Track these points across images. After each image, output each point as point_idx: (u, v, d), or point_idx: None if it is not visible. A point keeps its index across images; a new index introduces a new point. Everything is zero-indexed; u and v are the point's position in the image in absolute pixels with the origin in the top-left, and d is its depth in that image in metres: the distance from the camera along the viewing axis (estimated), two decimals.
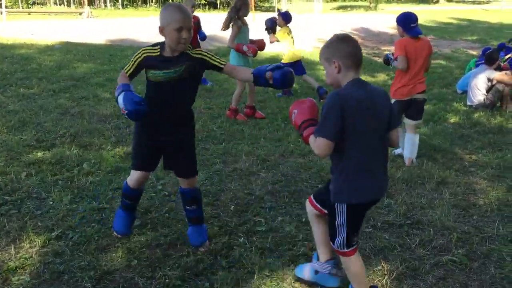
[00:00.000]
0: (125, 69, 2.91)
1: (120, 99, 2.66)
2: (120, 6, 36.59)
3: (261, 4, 38.20)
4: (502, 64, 8.86)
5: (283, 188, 4.25)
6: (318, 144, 2.33)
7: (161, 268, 2.94)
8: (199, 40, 8.90)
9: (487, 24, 24.81)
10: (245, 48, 6.10)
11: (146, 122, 2.91)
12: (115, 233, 3.29)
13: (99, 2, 37.96)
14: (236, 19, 6.36)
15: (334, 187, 2.46)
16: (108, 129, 5.89)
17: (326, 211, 2.60)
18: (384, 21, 21.79)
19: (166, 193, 4.06)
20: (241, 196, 4.06)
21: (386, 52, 7.75)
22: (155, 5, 37.23)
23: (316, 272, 2.75)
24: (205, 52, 2.98)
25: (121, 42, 15.06)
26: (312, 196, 2.75)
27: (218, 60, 2.98)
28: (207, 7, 36.11)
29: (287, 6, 32.77)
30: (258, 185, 4.32)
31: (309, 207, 2.75)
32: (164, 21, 2.78)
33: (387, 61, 5.21)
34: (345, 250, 2.49)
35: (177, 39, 2.76)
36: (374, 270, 2.95)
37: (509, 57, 9.93)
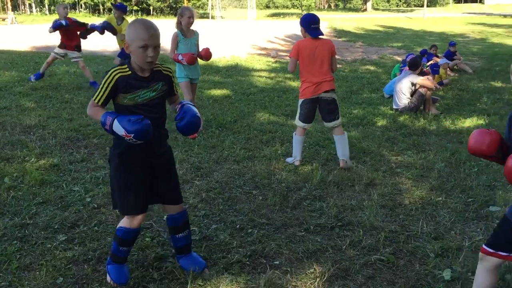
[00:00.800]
0: (95, 99, 2.58)
1: (117, 126, 2.43)
2: (47, 12, 35.13)
3: (195, 10, 38.07)
4: (424, 69, 9.37)
5: (217, 196, 4.23)
6: None
7: (89, 284, 2.82)
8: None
9: (411, 32, 26.15)
10: (180, 57, 5.95)
11: (131, 153, 2.65)
12: (112, 283, 2.82)
13: (24, 8, 36.23)
14: (178, 30, 6.12)
15: None
16: (32, 140, 5.61)
17: None
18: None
19: (95, 206, 3.92)
20: None
21: None
22: (85, 11, 36.08)
23: None
24: (171, 69, 2.84)
25: (46, 49, 14.42)
26: (489, 247, 2.37)
27: (176, 84, 2.89)
28: (139, 13, 35.49)
29: (221, 13, 32.86)
30: (192, 193, 4.27)
31: (490, 259, 2.38)
32: (129, 38, 2.57)
33: None
34: None
35: (143, 58, 2.54)
36: (306, 273, 2.99)
37: (431, 63, 10.52)
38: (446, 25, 29.39)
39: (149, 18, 30.40)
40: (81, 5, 36.95)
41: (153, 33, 2.55)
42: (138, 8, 35.74)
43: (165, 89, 2.70)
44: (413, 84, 7.92)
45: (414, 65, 8.13)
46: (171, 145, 2.98)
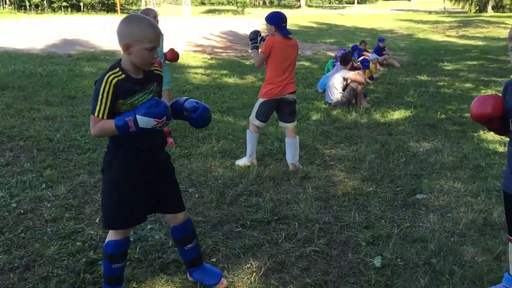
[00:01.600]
0: (97, 114, 2.28)
1: (144, 120, 2.24)
2: None
3: (128, 7, 37.11)
4: (355, 65, 9.67)
5: None
6: None
7: None
8: None
9: (343, 28, 26.93)
10: None
11: (132, 161, 2.44)
12: None
13: None
14: None
15: None
16: None
17: None
18: (251, 24, 22.49)
19: (22, 211, 3.72)
20: None
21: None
22: (10, 7, 34.17)
23: None
24: (160, 69, 2.61)
25: None
26: (509, 235, 2.57)
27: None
28: (69, 9, 34.08)
29: (155, 9, 32.29)
30: None
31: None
32: (133, 38, 2.26)
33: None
34: None
35: (149, 59, 2.33)
36: (243, 269, 3.00)
37: (362, 58, 10.88)
38: (375, 22, 30.52)
39: (79, 15, 29.16)
40: (6, 1, 34.89)
41: (159, 32, 2.37)
42: (68, 4, 34.24)
43: (158, 90, 2.51)
44: (345, 79, 8.15)
45: (345, 61, 8.37)
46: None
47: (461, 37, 24.07)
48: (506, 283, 2.63)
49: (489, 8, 39.46)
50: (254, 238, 3.41)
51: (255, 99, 5.10)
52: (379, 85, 10.49)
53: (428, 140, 6.05)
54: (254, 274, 2.94)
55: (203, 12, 37.83)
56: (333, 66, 9.91)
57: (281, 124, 5.06)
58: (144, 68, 2.39)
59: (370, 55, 12.16)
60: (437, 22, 31.54)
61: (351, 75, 8.19)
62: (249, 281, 2.87)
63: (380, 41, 13.77)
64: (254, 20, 25.99)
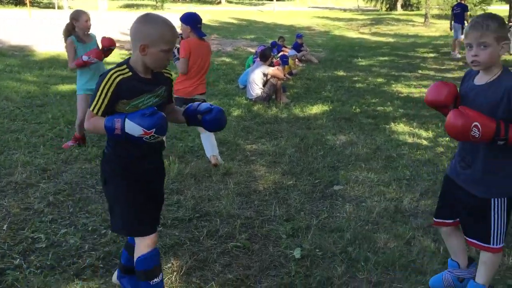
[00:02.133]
0: (93, 109, 2.17)
1: (131, 125, 2.09)
2: None
3: (39, 0, 35.05)
4: (274, 60, 9.82)
5: (66, 198, 3.96)
6: None
7: None
8: None
9: (263, 24, 27.26)
10: (84, 57, 5.00)
11: (134, 165, 2.32)
12: None
13: None
14: (69, 36, 5.17)
15: (492, 181, 2.34)
16: None
17: (455, 220, 2.57)
18: (172, 20, 22.11)
19: None
20: (16, 212, 3.64)
21: None
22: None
23: (462, 279, 2.67)
24: (171, 72, 2.49)
25: None
26: (435, 219, 2.64)
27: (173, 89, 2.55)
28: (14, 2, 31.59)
29: (69, 3, 30.71)
30: (37, 197, 3.93)
31: (442, 230, 2.66)
32: (150, 38, 2.15)
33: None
34: (499, 245, 2.41)
35: (164, 61, 2.23)
36: (164, 269, 2.94)
37: (281, 54, 11.07)
38: (294, 18, 31.20)
39: (25, 8, 26.94)
40: None
41: (176, 33, 2.26)
42: None
43: (166, 95, 2.38)
44: (265, 75, 8.26)
45: (264, 56, 8.48)
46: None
47: (374, 34, 25.24)
48: (451, 269, 2.73)
49: (399, 6, 41.76)
50: (175, 237, 3.36)
51: None
52: (298, 80, 10.74)
53: (344, 133, 6.29)
54: (175, 273, 2.90)
55: (121, 7, 36.58)
56: (254, 62, 10.00)
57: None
58: (156, 70, 2.29)
59: (289, 51, 12.40)
60: (351, 19, 32.85)
61: (271, 70, 8.31)
62: (169, 281, 2.82)
63: (298, 38, 14.10)
64: (174, 15, 25.59)
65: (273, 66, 8.80)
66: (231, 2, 49.19)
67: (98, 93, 2.15)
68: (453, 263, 2.69)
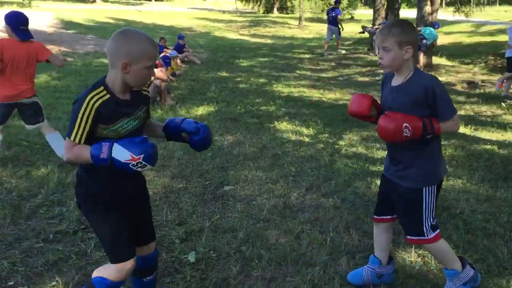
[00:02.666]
0: (73, 138, 2.00)
1: (120, 150, 1.92)
2: None
3: None
4: (157, 62, 9.62)
5: None
6: (457, 120, 2.45)
7: None
8: None
9: (142, 24, 26.51)
10: None
11: (112, 191, 2.19)
12: None
13: None
14: None
15: (422, 172, 2.50)
16: None
17: (393, 216, 2.73)
18: (40, 19, 20.65)
19: None
20: None
21: None
22: None
23: (380, 275, 2.83)
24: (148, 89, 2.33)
25: None
26: (375, 216, 2.80)
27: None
28: None
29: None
30: None
31: (379, 226, 2.80)
32: (132, 56, 1.99)
33: None
34: (433, 234, 2.54)
35: (147, 78, 2.08)
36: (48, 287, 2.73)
37: (162, 55, 10.86)
38: (174, 19, 30.87)
39: None
40: None
41: (157, 48, 2.13)
42: None
43: (146, 115, 2.25)
44: None
45: None
46: None
47: (253, 35, 25.92)
48: (372, 265, 2.85)
49: (275, 9, 43.39)
50: (59, 252, 3.14)
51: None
52: (182, 81, 10.65)
53: (231, 133, 6.36)
54: None
55: None
56: None
57: (27, 127, 4.89)
58: (138, 88, 2.15)
59: (170, 52, 12.24)
60: (231, 21, 33.40)
61: (154, 72, 8.12)
62: None
63: (180, 39, 13.96)
64: (43, 13, 23.87)
65: (155, 67, 8.61)
66: (106, 1, 47.15)
67: (78, 121, 1.99)
68: (376, 260, 2.84)
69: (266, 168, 5.01)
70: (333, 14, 15.88)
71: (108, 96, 2.05)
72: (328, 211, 3.91)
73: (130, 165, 1.93)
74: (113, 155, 1.93)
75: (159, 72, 8.22)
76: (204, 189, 4.37)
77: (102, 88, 2.05)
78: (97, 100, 2.01)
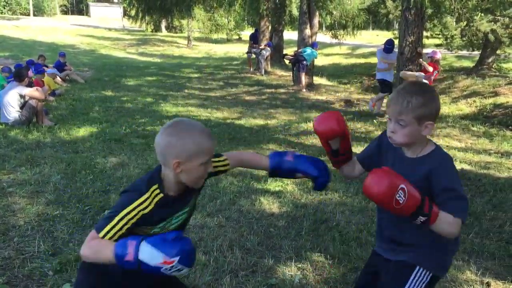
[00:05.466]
0: (104, 235, 1.69)
1: (149, 252, 1.57)
2: None
3: None
4: (33, 80, 9.04)
5: None
6: (458, 225, 1.83)
7: None
8: None
9: (19, 40, 24.84)
10: None
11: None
12: None
13: None
14: None
15: (425, 252, 1.98)
16: None
17: None
18: None
19: None
20: None
21: None
22: None
23: None
24: None
25: None
26: None
27: (221, 163, 2.06)
28: None
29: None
30: None
31: None
32: (187, 153, 1.72)
33: None
34: None
35: (204, 175, 1.82)
36: None
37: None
38: (55, 35, 29.33)
39: None
40: None
41: (214, 141, 1.84)
42: None
43: (195, 202, 1.99)
44: (22, 96, 7.50)
45: (19, 76, 7.71)
46: None
47: (141, 54, 25.48)
48: None
49: (163, 28, 43.11)
50: None
51: None
52: (63, 101, 10.09)
53: (115, 155, 6.14)
54: None
55: None
56: (8, 82, 9.00)
57: None
58: (194, 186, 1.86)
59: (48, 70, 11.57)
60: (118, 39, 32.52)
61: (28, 91, 7.59)
62: None
63: (61, 56, 13.29)
64: None
65: (31, 86, 8.07)
66: None
67: (116, 221, 1.70)
68: None
69: None
70: (255, 33, 16.71)
71: (160, 195, 1.79)
72: (212, 230, 3.92)
73: (162, 269, 1.59)
74: (140, 257, 1.58)
75: (33, 91, 7.72)
76: (83, 215, 4.14)
77: (156, 187, 1.79)
78: (148, 206, 1.75)
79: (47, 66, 12.31)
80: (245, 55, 18.66)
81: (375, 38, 32.20)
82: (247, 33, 36.19)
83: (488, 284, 3.18)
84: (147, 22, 42.81)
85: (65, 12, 64.64)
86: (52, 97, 9.98)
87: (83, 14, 62.20)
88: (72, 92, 11.43)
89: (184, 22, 37.35)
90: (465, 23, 15.24)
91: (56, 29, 34.08)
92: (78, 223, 3.96)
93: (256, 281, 3.11)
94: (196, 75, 16.44)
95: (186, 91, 12.73)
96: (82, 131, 7.37)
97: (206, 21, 34.59)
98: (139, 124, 8.15)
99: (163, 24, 43.13)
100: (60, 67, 12.71)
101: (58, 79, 11.89)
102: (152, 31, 41.66)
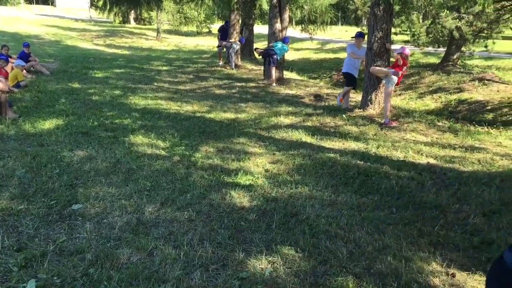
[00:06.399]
0: None
1: None
2: None
3: None
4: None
5: None
6: None
7: None
8: None
9: None
10: None
11: None
12: None
13: None
14: None
15: None
16: None
17: None
18: None
19: None
20: None
21: None
22: None
23: None
24: None
25: None
26: None
27: None
28: None
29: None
30: None
31: None
32: None
33: None
34: None
35: None
36: None
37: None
38: (19, 25, 28.44)
39: None
40: None
41: None
42: None
43: None
44: None
45: None
46: None
47: (109, 46, 24.96)
48: None
49: (132, 19, 42.36)
50: None
51: None
52: (27, 93, 9.78)
53: (82, 148, 6.01)
54: None
55: None
56: None
57: None
58: None
59: (15, 61, 11.20)
60: (84, 30, 31.77)
61: None
62: None
63: (25, 47, 12.86)
64: None
65: None
66: None
67: None
68: None
69: (119, 183, 4.81)
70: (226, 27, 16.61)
71: None
72: (183, 224, 3.89)
73: None
74: None
75: None
76: (49, 209, 4.05)
77: None
78: None
79: (11, 57, 11.91)
80: (215, 49, 18.55)
81: (344, 33, 32.52)
82: (217, 26, 35.98)
83: (453, 275, 3.27)
84: (115, 13, 42.10)
85: (29, 2, 62.69)
86: (16, 88, 9.67)
87: (48, 4, 60.46)
88: (37, 83, 11.10)
89: (153, 14, 36.82)
90: (431, 20, 15.56)
91: (20, 19, 33.05)
92: (44, 218, 3.87)
93: (227, 274, 3.11)
94: (165, 68, 16.23)
95: (155, 84, 12.55)
96: (48, 124, 7.18)
97: (176, 13, 34.20)
98: (107, 117, 8.00)
99: (132, 16, 42.38)
100: (25, 58, 12.31)
101: (24, 70, 11.51)
102: (120, 23, 40.88)
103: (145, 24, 41.97)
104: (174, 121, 8.01)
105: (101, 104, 9.26)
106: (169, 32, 34.26)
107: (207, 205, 4.33)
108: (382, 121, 8.41)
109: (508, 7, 13.81)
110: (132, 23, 41.68)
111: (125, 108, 8.97)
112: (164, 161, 5.64)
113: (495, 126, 9.81)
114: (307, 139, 7.15)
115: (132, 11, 38.38)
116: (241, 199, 4.54)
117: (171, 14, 34.54)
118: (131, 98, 10.15)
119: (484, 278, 3.19)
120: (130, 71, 15.06)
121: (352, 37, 10.03)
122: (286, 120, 8.57)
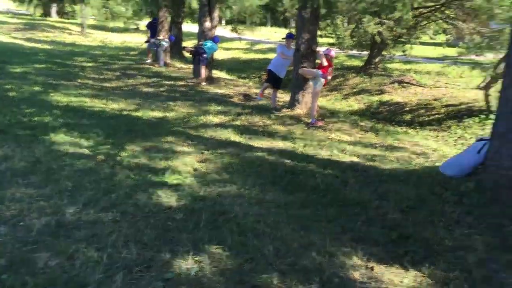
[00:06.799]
0: None
1: None
2: None
3: None
4: None
5: None
6: None
7: None
8: None
9: None
10: None
11: None
12: None
13: None
14: None
15: None
16: None
17: None
18: None
19: None
20: None
21: None
22: None
23: None
24: None
25: None
26: None
27: None
28: None
29: None
30: None
31: None
32: None
33: None
34: None
35: None
36: None
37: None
38: None
39: None
40: None
41: None
42: None
43: None
44: None
45: None
46: None
47: (28, 39, 23.60)
48: None
49: (54, 13, 40.35)
50: None
51: None
52: None
53: None
54: None
55: None
56: None
57: None
58: None
59: None
60: (1, 22, 29.84)
61: None
62: None
63: None
64: None
65: None
66: None
67: None
68: None
69: (38, 184, 4.56)
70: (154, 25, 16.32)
71: None
72: (106, 226, 3.76)
73: None
74: None
75: None
76: None
77: None
78: None
79: None
80: (144, 45, 18.16)
81: (273, 34, 32.99)
82: (145, 23, 35.22)
83: (372, 268, 3.41)
84: (35, 6, 39.95)
85: None
86: None
87: None
88: None
89: (77, 8, 35.27)
90: (354, 24, 16.18)
91: None
92: None
93: (151, 276, 3.05)
94: (90, 64, 15.62)
95: (79, 80, 12.05)
96: None
97: (101, 8, 32.99)
98: (25, 115, 7.56)
99: (54, 9, 40.37)
100: None
101: None
102: (41, 16, 38.81)
103: (68, 18, 40.14)
104: (99, 119, 7.73)
105: (19, 100, 8.75)
106: (95, 27, 32.99)
107: (133, 205, 4.22)
108: (309, 121, 8.63)
109: (425, 14, 14.68)
110: (54, 17, 39.71)
111: (45, 105, 8.53)
112: (88, 161, 5.43)
113: (412, 126, 10.41)
114: (236, 138, 7.18)
115: (54, 4, 36.60)
116: (168, 198, 4.47)
117: (96, 8, 33.28)
118: (52, 95, 9.68)
119: (401, 271, 3.37)
120: (52, 66, 14.36)
121: (282, 38, 10.46)
122: (215, 119, 8.55)
